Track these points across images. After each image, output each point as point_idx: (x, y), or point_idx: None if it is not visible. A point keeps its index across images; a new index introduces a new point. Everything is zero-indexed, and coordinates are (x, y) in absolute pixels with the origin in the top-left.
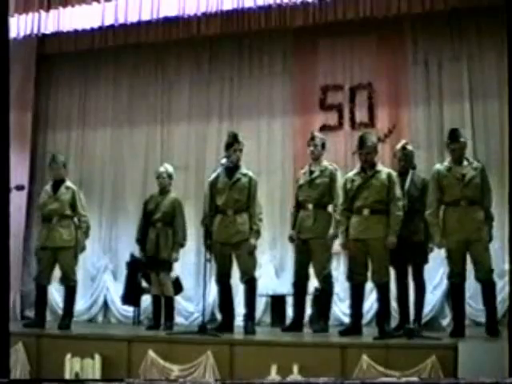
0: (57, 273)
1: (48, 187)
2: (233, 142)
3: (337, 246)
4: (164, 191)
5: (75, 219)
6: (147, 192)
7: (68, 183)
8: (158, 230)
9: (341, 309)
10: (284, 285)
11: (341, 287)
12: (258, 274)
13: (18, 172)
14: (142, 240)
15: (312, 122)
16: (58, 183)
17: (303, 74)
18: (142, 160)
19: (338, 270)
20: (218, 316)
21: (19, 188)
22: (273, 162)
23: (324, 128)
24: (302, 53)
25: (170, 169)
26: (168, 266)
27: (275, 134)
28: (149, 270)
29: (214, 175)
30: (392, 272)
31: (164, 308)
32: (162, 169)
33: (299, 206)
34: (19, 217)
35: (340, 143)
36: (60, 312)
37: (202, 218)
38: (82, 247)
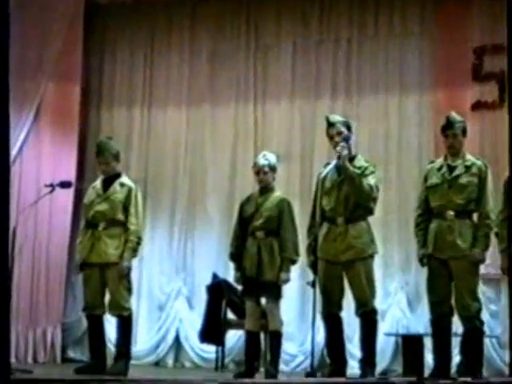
0: None
1: (98, 183)
2: (327, 128)
3: (492, 268)
4: (266, 189)
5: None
6: (236, 191)
7: (124, 179)
8: (260, 242)
9: (502, 356)
10: (420, 321)
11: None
12: (384, 305)
13: (63, 164)
14: (237, 255)
15: (461, 98)
16: (111, 178)
17: (449, 32)
18: (229, 148)
19: (497, 303)
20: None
21: (64, 185)
22: (406, 151)
23: (478, 105)
24: (446, 4)
25: (273, 159)
26: (275, 290)
27: (409, 115)
28: (247, 295)
29: (325, 170)
30: None
31: (269, 348)
32: (261, 160)
33: (430, 213)
34: (63, 223)
35: (501, 126)
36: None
37: (308, 226)
38: (127, 266)
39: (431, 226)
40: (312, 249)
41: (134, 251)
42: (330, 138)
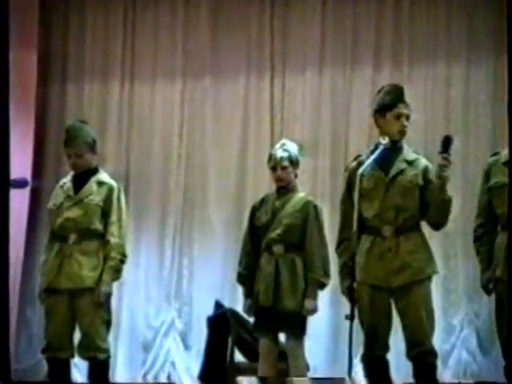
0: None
1: (67, 181)
2: (393, 103)
3: None
4: (286, 190)
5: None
6: (246, 192)
7: (102, 175)
8: (278, 259)
9: None
10: (496, 366)
11: None
12: (447, 344)
13: (15, 157)
14: (248, 277)
15: None
16: (84, 174)
17: None
18: (237, 136)
19: None
20: None
21: (17, 184)
22: (474, 139)
23: None
24: None
25: (295, 150)
26: (298, 323)
27: (479, 89)
28: (261, 330)
29: (366, 164)
30: None
31: None
32: (279, 151)
33: (495, 222)
34: (16, 235)
35: None
36: None
37: (337, 238)
38: (107, 292)
39: (497, 240)
40: (349, 270)
41: (117, 272)
42: (396, 117)
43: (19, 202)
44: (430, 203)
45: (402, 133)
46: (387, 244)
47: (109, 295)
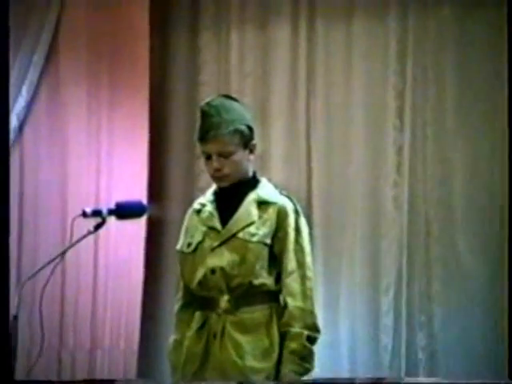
0: None
1: (206, 203)
2: None
3: None
4: None
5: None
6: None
7: (265, 190)
8: None
9: None
10: None
11: None
12: None
13: (119, 162)
14: None
15: None
16: (235, 191)
17: None
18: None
19: None
20: None
21: (125, 212)
22: None
23: None
24: None
25: None
26: None
27: None
28: None
29: None
30: None
31: None
32: None
33: None
34: (127, 298)
35: None
36: None
37: None
38: None
39: None
40: None
41: (304, 360)
42: None
43: (130, 239)
44: None
45: None
46: None
47: None
